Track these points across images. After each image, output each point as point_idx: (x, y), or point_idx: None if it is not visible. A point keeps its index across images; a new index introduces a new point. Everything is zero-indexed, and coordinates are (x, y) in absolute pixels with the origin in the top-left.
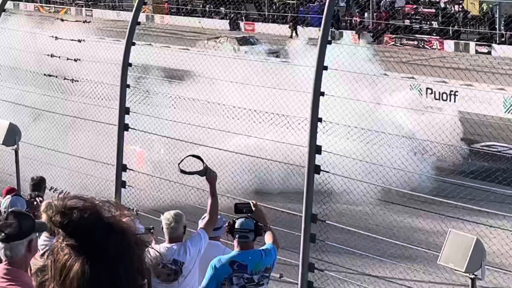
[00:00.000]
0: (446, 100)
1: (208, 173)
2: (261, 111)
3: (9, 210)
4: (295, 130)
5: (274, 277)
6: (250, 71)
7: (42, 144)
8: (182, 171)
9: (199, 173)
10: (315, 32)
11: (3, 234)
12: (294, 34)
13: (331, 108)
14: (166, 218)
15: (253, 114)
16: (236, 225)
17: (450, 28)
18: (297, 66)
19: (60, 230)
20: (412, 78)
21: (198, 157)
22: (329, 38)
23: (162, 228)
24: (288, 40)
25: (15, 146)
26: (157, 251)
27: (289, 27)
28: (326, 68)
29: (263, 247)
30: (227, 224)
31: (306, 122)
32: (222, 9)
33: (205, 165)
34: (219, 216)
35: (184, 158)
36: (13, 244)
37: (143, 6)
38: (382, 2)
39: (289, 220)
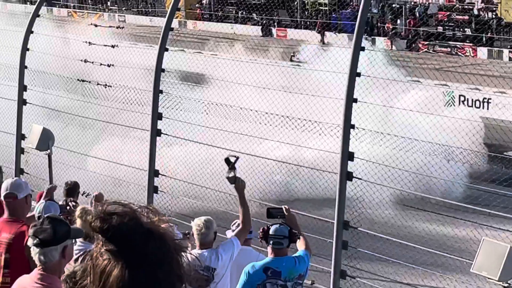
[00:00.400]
0: (479, 107)
1: (237, 182)
2: (294, 117)
3: (44, 215)
4: (328, 136)
5: (306, 283)
6: (278, 77)
7: (75, 149)
8: (227, 160)
9: (229, 179)
10: (347, 39)
11: (37, 239)
12: (322, 40)
13: (364, 115)
14: (196, 224)
15: (286, 120)
16: (270, 231)
17: (484, 35)
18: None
19: (99, 235)
20: (445, 85)
21: (235, 159)
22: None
23: (193, 234)
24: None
25: (49, 150)
26: (196, 256)
27: (318, 32)
28: (359, 74)
29: (296, 254)
30: (260, 230)
31: (339, 128)
32: (254, 15)
33: (234, 173)
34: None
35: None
36: (47, 250)
37: (176, 12)
38: (416, 8)
39: (321, 226)
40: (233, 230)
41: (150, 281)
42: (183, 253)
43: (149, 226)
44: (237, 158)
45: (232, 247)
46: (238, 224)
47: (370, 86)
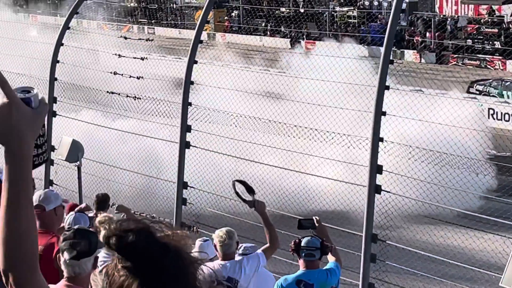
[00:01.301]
0: (508, 120)
1: (256, 205)
2: (322, 130)
3: (74, 227)
4: (356, 149)
5: None
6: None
7: (104, 161)
8: (237, 193)
9: (248, 203)
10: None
11: (75, 251)
12: None
13: (393, 128)
14: (218, 235)
15: (315, 133)
16: (302, 243)
17: None
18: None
19: (116, 252)
20: (475, 98)
21: (245, 185)
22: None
23: (215, 245)
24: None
25: (78, 162)
26: (211, 268)
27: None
28: (388, 87)
29: (327, 267)
30: (292, 243)
31: (367, 141)
32: (282, 27)
33: (253, 197)
34: (252, 245)
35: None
36: (83, 261)
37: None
38: (447, 21)
39: (349, 239)
40: (239, 254)
41: None
42: (198, 266)
43: (165, 240)
44: (244, 182)
45: (258, 261)
46: (245, 248)
47: (399, 99)
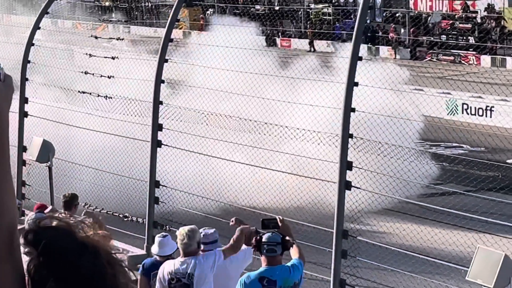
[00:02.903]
0: (482, 115)
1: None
2: (292, 127)
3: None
4: (326, 146)
5: None
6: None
7: (76, 160)
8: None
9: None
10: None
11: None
12: (312, 49)
13: (362, 124)
14: (180, 233)
15: (285, 130)
16: (263, 239)
17: (487, 44)
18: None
19: (32, 248)
20: (449, 93)
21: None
22: (360, 55)
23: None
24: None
25: (49, 162)
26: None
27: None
28: (356, 84)
29: (290, 263)
30: (253, 240)
31: (337, 138)
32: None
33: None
34: (213, 230)
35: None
36: None
37: (179, 23)
38: (429, 18)
39: (320, 236)
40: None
41: None
42: (119, 267)
43: (83, 240)
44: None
45: (213, 256)
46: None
47: (369, 94)
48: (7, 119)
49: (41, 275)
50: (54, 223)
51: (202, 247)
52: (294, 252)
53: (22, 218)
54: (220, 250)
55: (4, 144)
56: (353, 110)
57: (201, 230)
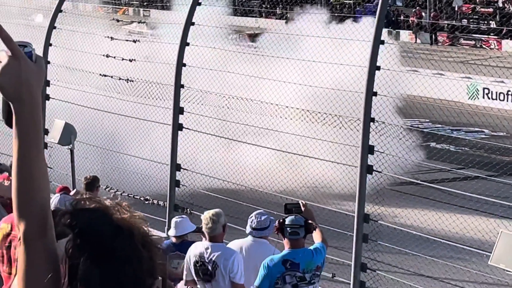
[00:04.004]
0: (503, 100)
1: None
2: (314, 111)
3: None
4: (348, 130)
5: (326, 276)
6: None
7: (97, 143)
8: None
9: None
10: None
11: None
12: None
13: (384, 108)
14: (204, 218)
15: (306, 114)
16: (286, 222)
17: (508, 28)
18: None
19: (69, 230)
20: (470, 78)
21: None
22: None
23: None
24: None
25: (71, 145)
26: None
27: None
28: (378, 68)
29: (313, 246)
30: (276, 223)
31: (359, 122)
32: (278, 9)
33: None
34: (265, 216)
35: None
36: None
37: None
38: (453, 2)
39: (342, 220)
40: (251, 227)
41: (118, 277)
42: (155, 249)
43: (119, 222)
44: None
45: (240, 267)
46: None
47: (390, 79)
48: (40, 99)
49: (77, 257)
50: (90, 205)
51: (253, 233)
52: (317, 236)
53: None
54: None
55: (38, 123)
56: (375, 94)
57: (252, 215)
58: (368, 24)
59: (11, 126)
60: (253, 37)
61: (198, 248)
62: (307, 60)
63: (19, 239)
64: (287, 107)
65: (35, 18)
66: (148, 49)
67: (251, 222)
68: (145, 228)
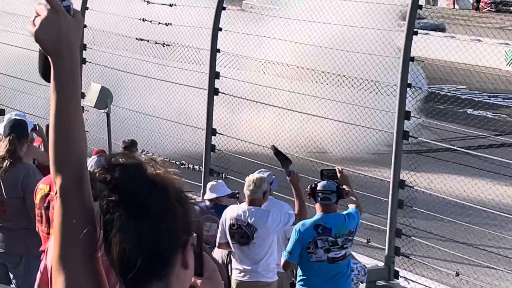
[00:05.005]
0: None
1: (291, 175)
2: (350, 76)
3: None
4: (384, 95)
5: (361, 242)
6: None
7: (133, 107)
8: (277, 153)
9: (285, 170)
10: None
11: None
12: None
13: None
14: (248, 180)
15: (342, 79)
16: (318, 187)
17: None
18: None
19: (104, 185)
20: (508, 44)
21: (282, 154)
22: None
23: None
24: None
25: (107, 109)
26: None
27: None
28: (416, 33)
29: (346, 211)
30: (308, 188)
31: (395, 87)
32: None
33: (288, 166)
34: (269, 172)
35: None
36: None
37: None
38: None
39: (377, 185)
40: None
41: (153, 233)
42: (189, 204)
43: (154, 178)
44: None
45: (285, 221)
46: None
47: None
48: (78, 54)
49: (111, 212)
50: (124, 160)
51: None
52: (351, 202)
53: None
54: (292, 215)
55: (77, 77)
56: (412, 59)
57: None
58: None
59: (47, 80)
60: None
61: (235, 211)
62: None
63: (55, 193)
64: (322, 72)
65: None
66: (184, 13)
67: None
68: (180, 184)
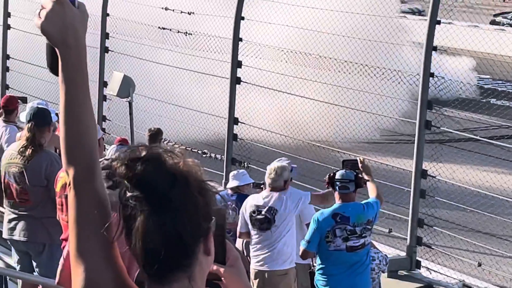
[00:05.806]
0: None
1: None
2: (373, 66)
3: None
4: (407, 85)
5: (383, 231)
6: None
7: (156, 96)
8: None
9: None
10: None
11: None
12: None
13: (443, 63)
14: (270, 167)
15: (365, 69)
16: (337, 176)
17: None
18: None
19: (125, 181)
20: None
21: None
22: None
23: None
24: None
25: (129, 98)
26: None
27: None
28: (439, 22)
29: (365, 201)
30: (326, 177)
31: (418, 77)
32: None
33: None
34: (288, 161)
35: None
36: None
37: None
38: None
39: (399, 175)
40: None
41: (176, 224)
42: (210, 194)
43: (174, 170)
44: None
45: (300, 198)
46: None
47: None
48: (85, 44)
49: (133, 207)
50: (143, 154)
51: None
52: (372, 192)
53: (104, 152)
54: (308, 194)
55: (85, 67)
56: (435, 48)
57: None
58: None
59: (56, 74)
60: None
61: (255, 198)
62: (357, 13)
63: (69, 184)
64: (345, 61)
65: None
66: (206, 3)
67: None
68: (200, 173)
